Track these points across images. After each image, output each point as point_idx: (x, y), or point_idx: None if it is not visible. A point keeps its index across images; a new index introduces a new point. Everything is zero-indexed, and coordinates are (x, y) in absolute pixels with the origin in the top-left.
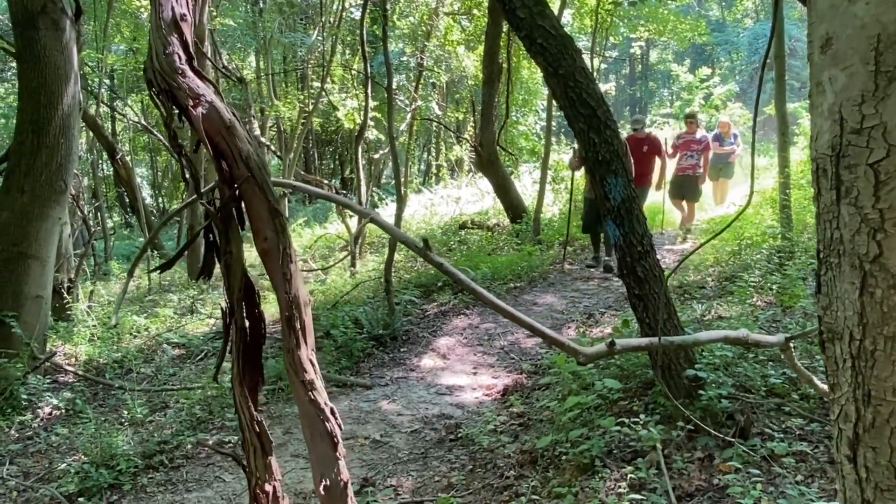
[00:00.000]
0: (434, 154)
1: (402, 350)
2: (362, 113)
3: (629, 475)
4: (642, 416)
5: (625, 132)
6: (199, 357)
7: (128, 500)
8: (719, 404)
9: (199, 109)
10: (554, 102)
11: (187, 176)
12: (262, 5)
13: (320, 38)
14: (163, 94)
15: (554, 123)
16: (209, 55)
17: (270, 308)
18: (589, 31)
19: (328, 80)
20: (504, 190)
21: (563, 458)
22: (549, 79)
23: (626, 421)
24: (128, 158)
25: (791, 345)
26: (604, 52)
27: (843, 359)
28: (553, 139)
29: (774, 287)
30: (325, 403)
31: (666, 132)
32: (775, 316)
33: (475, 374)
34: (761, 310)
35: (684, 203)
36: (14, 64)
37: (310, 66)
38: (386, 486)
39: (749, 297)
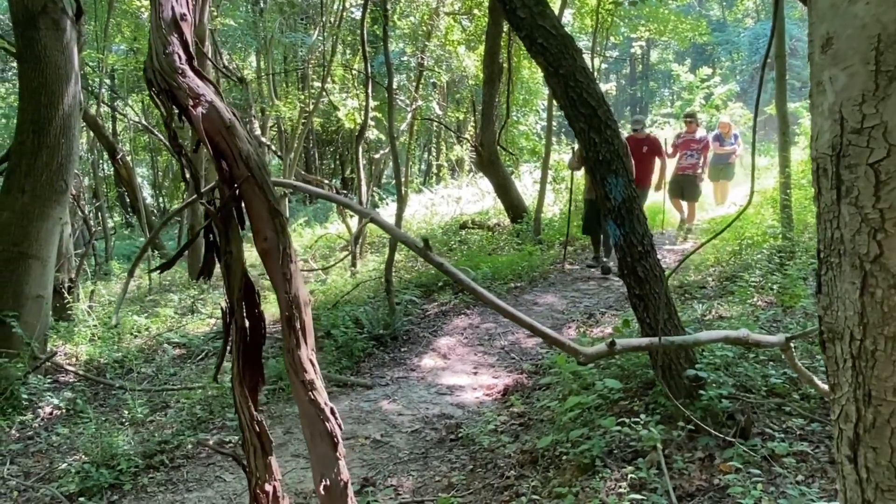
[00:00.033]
0: (434, 154)
1: (402, 350)
2: (363, 113)
3: (630, 475)
4: (643, 416)
5: (625, 132)
6: (200, 357)
7: (128, 499)
8: (720, 404)
9: (199, 109)
10: (554, 102)
11: (187, 176)
12: (262, 5)
13: (321, 37)
14: (163, 94)
15: (554, 123)
16: (210, 55)
17: (271, 308)
18: (589, 31)
19: (329, 79)
20: (505, 190)
21: (564, 457)
22: (550, 78)
23: (627, 421)
24: (128, 158)
25: (791, 345)
26: (604, 52)
27: (844, 359)
28: (554, 139)
29: (775, 287)
30: (326, 403)
31: (667, 132)
32: (776, 316)
33: (476, 373)
34: (762, 310)
35: (683, 203)
36: (15, 64)
37: (310, 66)
38: (386, 486)
39: (750, 297)
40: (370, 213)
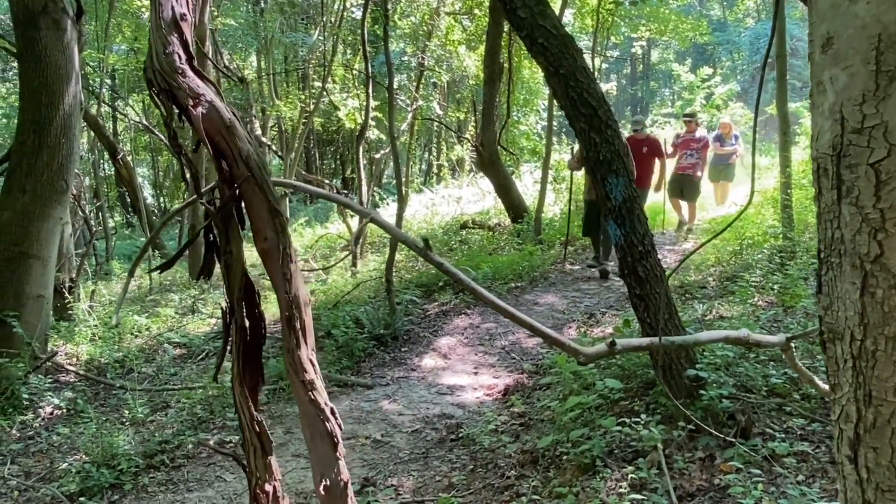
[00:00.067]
0: (435, 154)
1: (403, 350)
2: (363, 113)
3: (630, 475)
4: (643, 415)
5: (625, 132)
6: (201, 357)
7: (129, 499)
8: (720, 404)
9: (199, 109)
10: (555, 102)
11: (188, 176)
12: (263, 5)
13: (321, 37)
14: (163, 94)
15: (555, 123)
16: (210, 55)
17: (271, 308)
18: (590, 31)
19: (329, 79)
20: (505, 190)
21: (564, 457)
22: (551, 78)
23: (627, 421)
24: (129, 158)
25: (792, 345)
26: (605, 52)
27: (844, 359)
28: (554, 139)
29: (776, 287)
30: (326, 403)
31: (667, 132)
32: (776, 316)
33: (476, 373)
34: (762, 310)
35: (683, 203)
36: (15, 64)
37: (311, 66)
38: (387, 486)
39: (750, 297)
40: (370, 212)
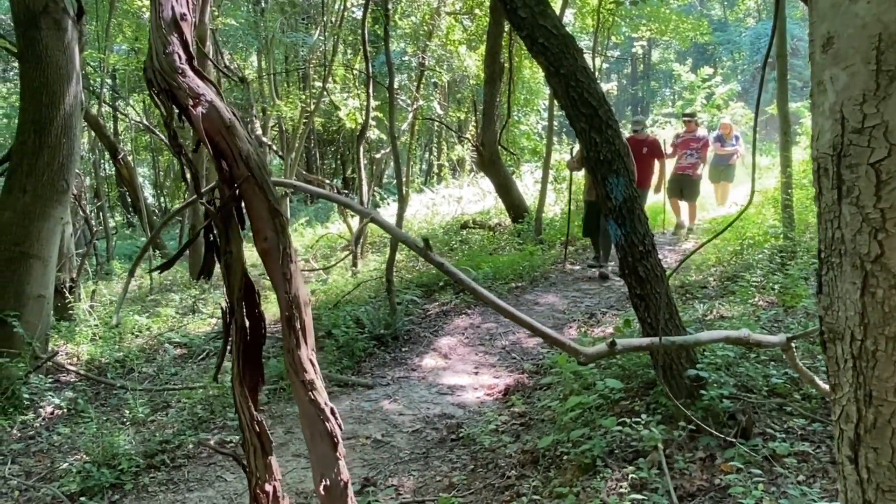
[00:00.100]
0: (436, 154)
1: (403, 350)
2: (364, 112)
3: (631, 475)
4: (644, 415)
5: (626, 132)
6: (201, 356)
7: (129, 499)
8: (721, 404)
9: (199, 109)
10: (556, 102)
11: (188, 176)
12: (263, 5)
13: (322, 37)
14: (163, 94)
15: (556, 123)
16: (211, 55)
17: (271, 308)
18: (591, 31)
19: (330, 79)
20: (506, 189)
21: (565, 457)
22: (551, 78)
23: (628, 421)
24: (130, 158)
25: (793, 345)
26: (605, 52)
27: (845, 359)
28: (555, 139)
29: (776, 287)
30: (326, 403)
31: (668, 132)
32: (777, 316)
33: (477, 373)
34: (763, 310)
35: (682, 204)
36: (16, 64)
37: (311, 66)
38: (387, 486)
39: (751, 297)
40: (370, 212)
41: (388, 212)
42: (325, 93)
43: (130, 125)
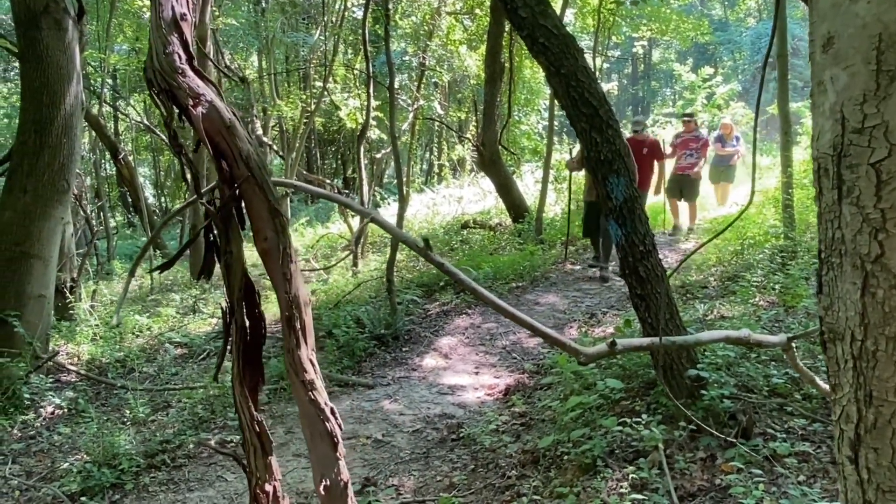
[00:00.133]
0: (436, 153)
1: (403, 350)
2: (364, 112)
3: (631, 475)
4: (644, 416)
5: (626, 132)
6: (202, 356)
7: (130, 499)
8: (721, 404)
9: (199, 109)
10: (556, 102)
11: (188, 176)
12: (264, 5)
13: (322, 37)
14: (163, 94)
15: (556, 123)
16: (212, 55)
17: (271, 308)
18: (591, 31)
19: (330, 79)
20: (506, 189)
21: (565, 457)
22: (552, 78)
23: (628, 421)
24: (130, 158)
25: (793, 345)
26: (606, 52)
27: (845, 359)
28: (555, 138)
29: (777, 287)
30: (326, 403)
31: (668, 132)
32: (778, 316)
33: (477, 373)
34: (764, 310)
35: (681, 205)
36: (17, 64)
37: (312, 66)
38: (388, 486)
39: (751, 297)
40: (371, 212)
41: (388, 212)
42: (325, 93)
43: (131, 125)
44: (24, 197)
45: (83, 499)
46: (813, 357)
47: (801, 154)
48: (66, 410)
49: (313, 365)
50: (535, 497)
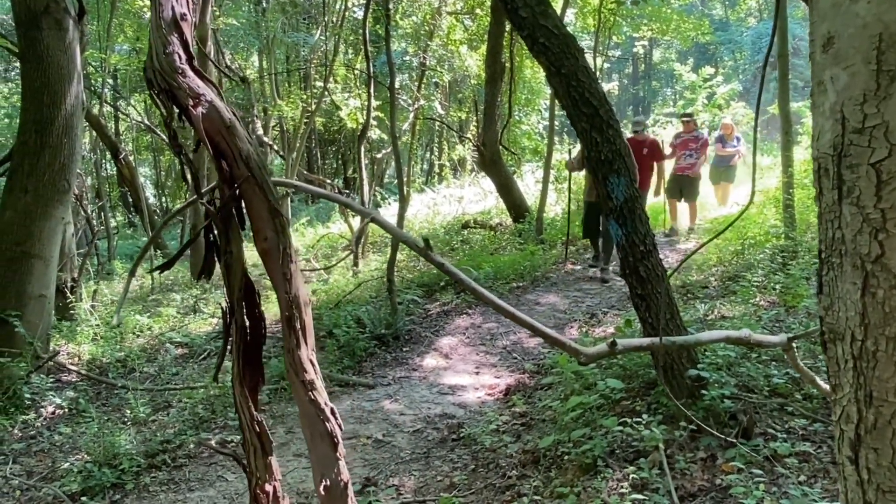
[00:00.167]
0: (437, 153)
1: (404, 350)
2: (365, 112)
3: (632, 475)
4: (645, 416)
5: (627, 132)
6: (202, 356)
7: (130, 499)
8: (722, 404)
9: (199, 109)
10: (557, 102)
11: (188, 176)
12: (265, 5)
13: (323, 37)
14: (163, 94)
15: (557, 123)
16: (212, 55)
17: (272, 308)
18: (592, 31)
19: (331, 79)
20: (507, 189)
21: (566, 457)
22: (552, 78)
23: (629, 421)
24: (131, 158)
25: (794, 345)
26: (606, 52)
27: (845, 359)
28: (556, 138)
29: (778, 287)
30: (326, 403)
31: (669, 131)
32: (778, 315)
33: (477, 373)
34: (764, 309)
35: (680, 206)
36: (17, 64)
37: (312, 66)
38: (388, 486)
39: (752, 297)
40: (371, 212)
41: (389, 211)
42: (326, 93)
43: (132, 125)
44: (25, 197)
45: (84, 498)
46: (814, 357)
47: (802, 154)
48: (66, 410)
49: (313, 365)
50: (536, 497)
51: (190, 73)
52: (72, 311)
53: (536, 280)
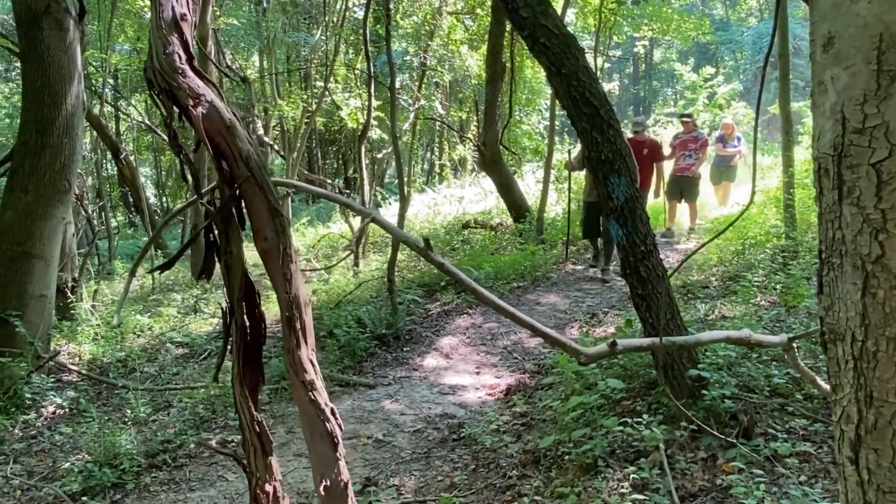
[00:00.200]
0: (437, 153)
1: (405, 349)
2: (365, 112)
3: (632, 475)
4: (645, 416)
5: (627, 132)
6: (203, 356)
7: (131, 499)
8: (722, 404)
9: (199, 109)
10: (557, 102)
11: (188, 176)
12: (265, 5)
13: (324, 37)
14: (163, 94)
15: (557, 123)
16: (213, 55)
17: (272, 308)
18: (592, 31)
19: (331, 79)
20: (507, 189)
21: (566, 457)
22: (553, 78)
23: (629, 421)
24: (132, 158)
25: (794, 345)
26: (607, 51)
27: (845, 360)
28: (556, 138)
29: (778, 287)
30: (326, 403)
31: (669, 131)
32: (779, 316)
33: (478, 373)
34: (765, 310)
35: (680, 206)
36: (18, 64)
37: (313, 66)
38: (388, 486)
39: (753, 297)
40: (371, 212)
41: (389, 211)
42: (326, 92)
43: (132, 125)
44: (26, 197)
45: (84, 498)
46: (814, 357)
47: (803, 154)
48: (67, 410)
49: (313, 365)
50: (536, 497)
51: (190, 73)
52: (72, 311)
53: (537, 280)
